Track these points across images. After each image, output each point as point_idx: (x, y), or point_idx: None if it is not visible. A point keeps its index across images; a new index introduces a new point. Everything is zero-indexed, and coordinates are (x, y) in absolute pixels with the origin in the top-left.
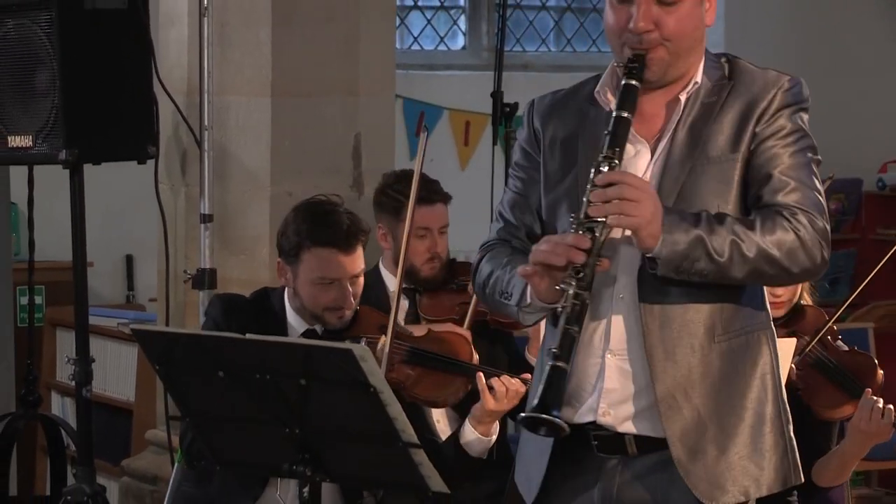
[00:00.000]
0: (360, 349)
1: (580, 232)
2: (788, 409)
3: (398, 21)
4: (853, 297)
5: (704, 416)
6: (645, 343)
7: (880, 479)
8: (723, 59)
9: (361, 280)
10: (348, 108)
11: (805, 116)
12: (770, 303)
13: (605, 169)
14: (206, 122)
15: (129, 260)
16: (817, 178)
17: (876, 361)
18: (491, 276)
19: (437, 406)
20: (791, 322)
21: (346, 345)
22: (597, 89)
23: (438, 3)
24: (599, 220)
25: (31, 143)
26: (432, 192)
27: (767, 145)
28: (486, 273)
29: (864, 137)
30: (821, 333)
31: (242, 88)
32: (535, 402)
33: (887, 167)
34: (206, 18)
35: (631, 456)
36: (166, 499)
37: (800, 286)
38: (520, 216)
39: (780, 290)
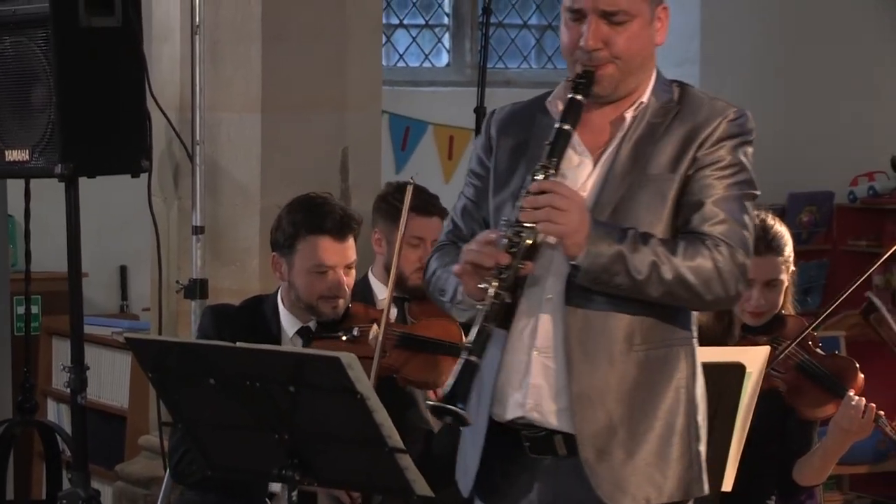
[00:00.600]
0: (347, 357)
1: (510, 234)
2: (701, 426)
3: (384, 39)
4: (834, 305)
5: (616, 420)
6: (565, 344)
7: (852, 484)
8: (674, 85)
9: (353, 272)
10: (336, 123)
11: (748, 150)
12: (750, 312)
13: (541, 177)
14: (197, 137)
15: (123, 270)
16: (748, 214)
17: (856, 364)
18: (434, 273)
19: (430, 387)
20: (773, 329)
21: (334, 353)
22: (549, 99)
23: (423, 22)
24: (528, 225)
25: (27, 157)
26: (430, 205)
27: (705, 174)
28: (432, 271)
29: (836, 152)
30: (802, 336)
31: (233, 104)
32: (446, 393)
33: (858, 180)
34: (197, 36)
35: (562, 456)
36: (159, 502)
37: (782, 297)
38: (469, 223)
39: (761, 301)
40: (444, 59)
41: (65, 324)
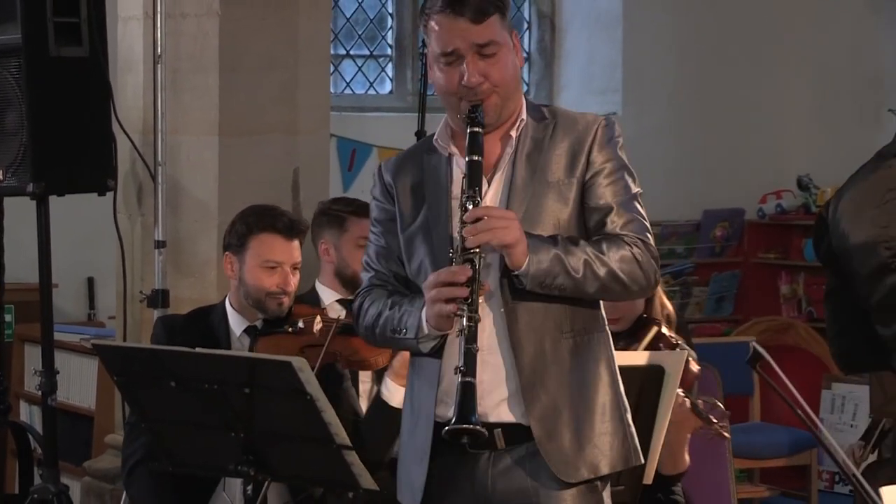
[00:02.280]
0: (298, 361)
1: (462, 263)
2: (626, 400)
3: (332, 68)
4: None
5: (559, 403)
6: (511, 338)
7: (762, 477)
8: (543, 108)
9: (298, 274)
10: (288, 145)
11: (621, 150)
12: (609, 320)
13: (471, 206)
14: (159, 159)
15: (91, 282)
16: (643, 209)
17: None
18: (379, 317)
19: (370, 368)
20: (636, 332)
21: (286, 357)
22: (435, 138)
23: (368, 53)
24: (474, 251)
25: (1, 176)
26: (367, 209)
27: (603, 180)
28: (374, 315)
29: (747, 172)
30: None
31: (192, 128)
32: (455, 416)
33: (767, 198)
34: (159, 65)
35: (500, 450)
36: (123, 496)
37: (641, 303)
38: (385, 265)
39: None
40: (388, 86)
41: (36, 331)
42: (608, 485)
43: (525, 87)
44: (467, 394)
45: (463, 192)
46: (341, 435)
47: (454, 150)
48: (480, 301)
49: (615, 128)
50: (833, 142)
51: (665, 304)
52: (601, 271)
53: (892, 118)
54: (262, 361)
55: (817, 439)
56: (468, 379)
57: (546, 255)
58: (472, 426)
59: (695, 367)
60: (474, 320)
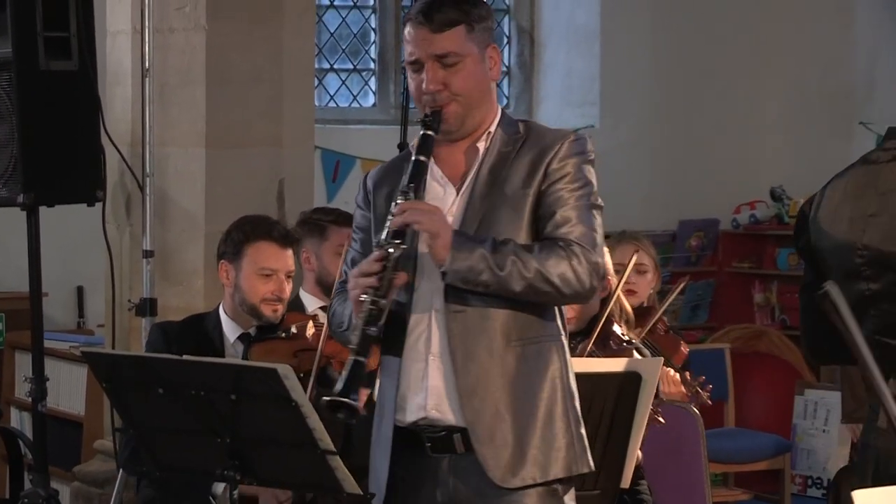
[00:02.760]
0: (283, 368)
1: (381, 250)
2: (578, 411)
3: (316, 82)
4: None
5: (502, 409)
6: (450, 345)
7: (736, 481)
8: (520, 122)
9: (290, 283)
10: (273, 157)
11: (589, 168)
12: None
13: (402, 200)
14: (147, 170)
15: (80, 290)
16: (596, 220)
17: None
18: (333, 313)
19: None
20: (591, 333)
21: (272, 365)
22: (410, 145)
23: (352, 67)
24: (395, 241)
25: None
26: (348, 218)
27: (556, 188)
28: (331, 311)
29: (721, 184)
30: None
31: (180, 140)
32: (339, 387)
33: (741, 209)
34: (147, 79)
35: (460, 454)
36: (112, 500)
37: (594, 307)
38: None
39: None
40: (371, 100)
41: (27, 339)
42: (571, 489)
43: (505, 101)
44: (354, 371)
45: (401, 188)
46: (325, 440)
47: (431, 163)
48: (435, 309)
49: (585, 144)
50: (805, 154)
51: (624, 305)
52: (528, 272)
53: (863, 130)
54: (248, 368)
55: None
56: (359, 358)
57: (470, 252)
58: (346, 399)
59: (685, 348)
60: (378, 305)
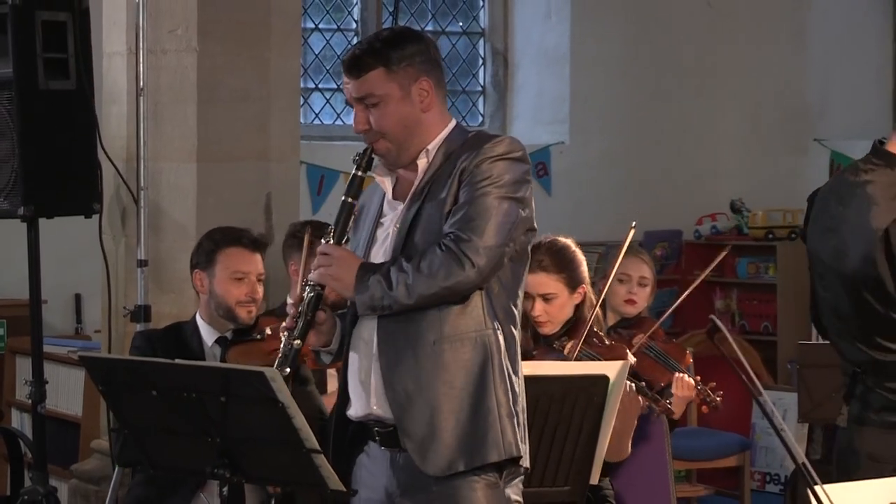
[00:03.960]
0: (270, 372)
1: (302, 292)
2: (514, 398)
3: (302, 100)
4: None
5: (427, 406)
6: (379, 350)
7: (698, 477)
8: (468, 135)
9: (262, 286)
10: (261, 171)
11: (502, 164)
12: (539, 323)
13: (324, 241)
14: (142, 184)
15: (78, 298)
16: (498, 212)
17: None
18: None
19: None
20: (570, 334)
21: (260, 368)
22: (373, 170)
23: (335, 86)
24: (312, 284)
25: None
26: None
27: (463, 189)
28: None
29: (684, 197)
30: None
31: (172, 155)
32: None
33: (702, 221)
34: (142, 97)
35: (404, 451)
36: (108, 497)
37: (567, 309)
38: None
39: (540, 312)
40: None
41: (27, 344)
42: (516, 480)
43: (480, 118)
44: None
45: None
46: (310, 440)
47: (387, 185)
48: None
49: (505, 145)
50: (763, 169)
51: (596, 310)
52: (414, 282)
53: (817, 146)
54: (237, 372)
55: (760, 406)
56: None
57: (367, 283)
58: None
59: (689, 355)
60: (291, 346)
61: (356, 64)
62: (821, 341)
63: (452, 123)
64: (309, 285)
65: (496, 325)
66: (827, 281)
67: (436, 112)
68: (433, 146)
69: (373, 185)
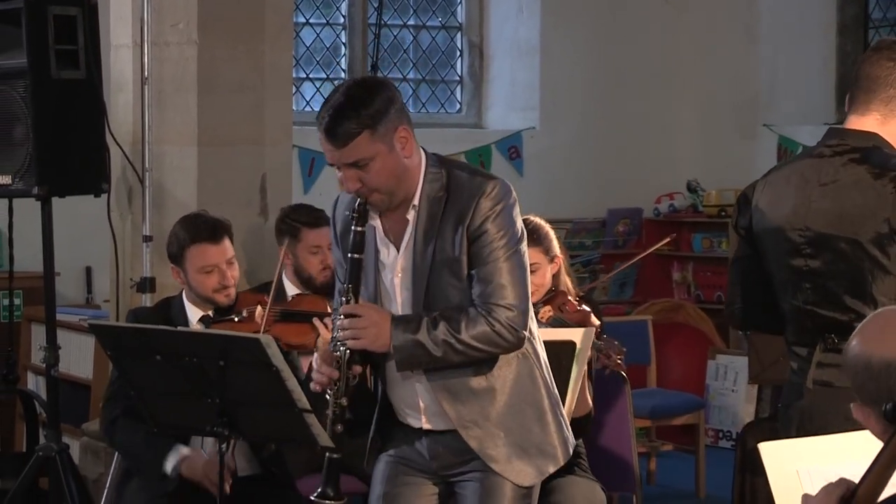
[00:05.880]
0: (265, 338)
1: (334, 350)
2: (556, 392)
3: (294, 89)
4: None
5: (497, 427)
6: (433, 394)
7: (658, 433)
8: (442, 170)
9: (236, 265)
10: (256, 155)
11: (507, 215)
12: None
13: (344, 300)
14: (147, 166)
15: (88, 270)
16: (517, 270)
17: (590, 314)
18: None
19: (306, 348)
20: (550, 300)
21: (256, 335)
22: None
23: (325, 76)
24: (344, 342)
25: (10, 181)
26: (318, 218)
27: (478, 246)
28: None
29: (645, 177)
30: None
31: (175, 140)
32: (320, 488)
33: (661, 199)
34: (146, 86)
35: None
36: (116, 455)
37: (548, 277)
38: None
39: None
40: None
41: (41, 313)
42: None
43: (458, 106)
44: (330, 469)
45: (344, 285)
46: (302, 400)
47: (377, 223)
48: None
49: (500, 193)
50: (716, 152)
51: (567, 279)
52: (459, 346)
53: (766, 132)
54: (235, 339)
55: None
56: (334, 456)
57: (406, 342)
58: (333, 500)
59: (596, 321)
60: (339, 405)
61: (340, 134)
62: None
63: (424, 157)
64: (341, 346)
65: (528, 332)
66: (813, 249)
67: (415, 153)
68: (417, 198)
69: (345, 202)
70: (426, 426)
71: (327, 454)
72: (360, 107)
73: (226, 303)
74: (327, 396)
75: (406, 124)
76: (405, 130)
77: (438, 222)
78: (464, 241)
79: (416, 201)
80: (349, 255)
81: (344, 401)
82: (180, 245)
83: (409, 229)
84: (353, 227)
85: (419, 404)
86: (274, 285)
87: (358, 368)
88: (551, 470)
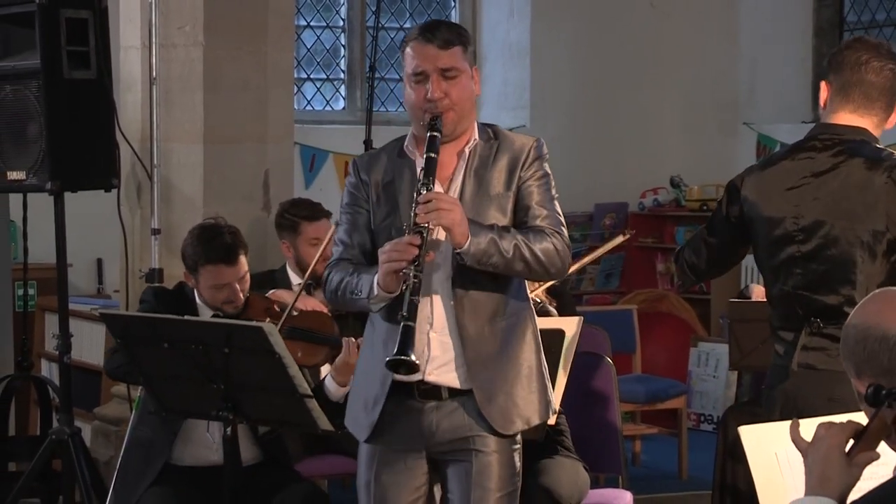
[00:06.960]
0: (268, 327)
1: (412, 234)
2: (545, 359)
3: (295, 89)
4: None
5: (495, 374)
6: (458, 323)
7: (643, 417)
8: (489, 129)
9: (248, 278)
10: (259, 151)
11: (547, 165)
12: None
13: (424, 191)
14: (155, 162)
15: (100, 262)
16: (558, 207)
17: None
18: (341, 282)
19: (311, 368)
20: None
21: (258, 324)
22: (405, 145)
23: (325, 76)
24: (424, 225)
25: (24, 176)
26: (317, 212)
27: (528, 184)
28: (336, 281)
29: (630, 172)
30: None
31: (182, 137)
32: (396, 350)
33: (646, 194)
34: (154, 86)
35: (443, 400)
36: (126, 437)
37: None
38: (355, 238)
39: None
40: (341, 104)
41: (54, 302)
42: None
43: None
44: (407, 334)
45: (419, 180)
46: (303, 386)
47: (419, 157)
48: (434, 291)
49: (543, 148)
50: (698, 149)
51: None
52: (527, 254)
53: (746, 129)
54: (239, 327)
55: None
56: (409, 323)
57: (483, 237)
58: (407, 358)
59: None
60: (419, 279)
61: (443, 38)
62: (752, 299)
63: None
64: (422, 227)
65: (531, 303)
66: (806, 235)
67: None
68: (473, 138)
69: (381, 162)
70: (428, 377)
71: (402, 322)
72: (456, 27)
73: (233, 313)
74: (405, 271)
75: (478, 69)
76: (477, 73)
77: (491, 162)
78: (516, 180)
79: (475, 137)
80: (426, 154)
81: (421, 276)
82: (195, 260)
83: (462, 164)
84: (428, 133)
85: (427, 354)
86: (287, 312)
87: (432, 255)
88: (536, 422)
